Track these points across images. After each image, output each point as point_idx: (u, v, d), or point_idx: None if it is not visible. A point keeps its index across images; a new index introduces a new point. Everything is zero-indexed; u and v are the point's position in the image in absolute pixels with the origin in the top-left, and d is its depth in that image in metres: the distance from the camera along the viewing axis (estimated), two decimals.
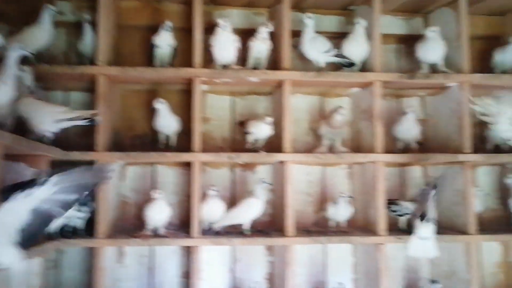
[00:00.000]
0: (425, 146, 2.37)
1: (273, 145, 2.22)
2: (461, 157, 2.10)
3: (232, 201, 2.25)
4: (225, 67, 2.12)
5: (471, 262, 2.05)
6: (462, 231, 2.10)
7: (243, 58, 2.19)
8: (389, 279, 2.25)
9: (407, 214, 2.13)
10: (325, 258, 2.34)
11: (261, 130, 2.11)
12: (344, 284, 2.02)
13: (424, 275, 2.35)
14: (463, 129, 2.13)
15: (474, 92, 2.28)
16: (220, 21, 2.06)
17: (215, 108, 2.37)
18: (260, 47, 2.13)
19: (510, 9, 2.36)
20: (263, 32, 2.12)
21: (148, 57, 2.18)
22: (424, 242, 1.90)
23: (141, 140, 2.27)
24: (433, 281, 2.06)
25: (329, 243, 2.24)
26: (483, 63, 2.38)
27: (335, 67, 2.24)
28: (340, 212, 2.15)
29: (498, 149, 2.28)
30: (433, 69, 2.21)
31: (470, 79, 2.15)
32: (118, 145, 2.14)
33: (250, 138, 2.14)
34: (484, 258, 2.40)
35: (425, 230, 1.87)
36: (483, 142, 2.39)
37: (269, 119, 2.08)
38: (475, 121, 2.44)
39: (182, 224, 2.19)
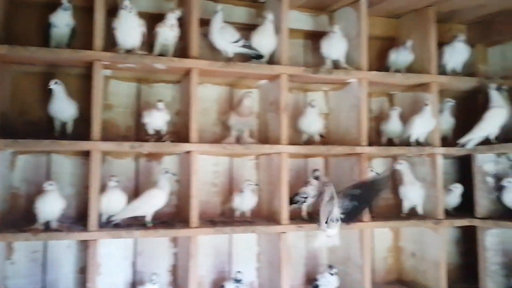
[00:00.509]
0: (328, 139, 2.48)
1: (180, 135, 2.18)
2: (358, 149, 2.23)
3: (136, 193, 2.17)
4: (129, 51, 2.02)
5: (364, 248, 2.19)
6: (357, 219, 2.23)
7: (149, 43, 2.11)
8: (290, 266, 2.35)
9: (306, 198, 2.20)
10: (231, 248, 2.36)
11: (154, 118, 2.05)
12: (242, 273, 2.05)
13: (323, 262, 2.48)
14: (360, 123, 2.27)
15: (371, 88, 2.45)
16: (124, 3, 1.96)
17: (119, 95, 2.26)
18: (168, 33, 2.07)
19: (405, 12, 2.54)
20: (171, 18, 2.06)
21: (44, 37, 2.01)
22: (330, 237, 2.01)
23: (35, 127, 2.09)
24: (330, 267, 2.17)
25: (233, 233, 2.26)
26: (380, 62, 2.54)
27: (244, 58, 2.25)
28: (246, 201, 2.17)
29: (390, 142, 2.47)
30: (336, 65, 2.32)
31: (367, 76, 2.28)
32: (7, 131, 1.95)
33: (149, 128, 2.07)
34: (376, 244, 2.59)
35: (333, 230, 1.96)
36: (378, 136, 2.58)
37: (161, 105, 2.03)
38: (372, 116, 2.64)
39: (80, 217, 2.06)
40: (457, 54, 2.45)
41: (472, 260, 2.46)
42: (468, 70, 2.62)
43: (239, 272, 2.06)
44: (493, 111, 2.25)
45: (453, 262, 2.68)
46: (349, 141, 2.33)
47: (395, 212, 2.56)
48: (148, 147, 1.98)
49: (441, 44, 2.49)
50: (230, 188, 2.38)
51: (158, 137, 2.08)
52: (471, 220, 2.34)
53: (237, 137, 2.28)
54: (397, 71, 2.44)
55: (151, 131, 2.08)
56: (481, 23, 2.66)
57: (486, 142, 2.29)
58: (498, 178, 2.35)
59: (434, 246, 2.34)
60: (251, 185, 2.18)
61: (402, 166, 2.38)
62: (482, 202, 2.33)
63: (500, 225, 2.21)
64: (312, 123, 2.33)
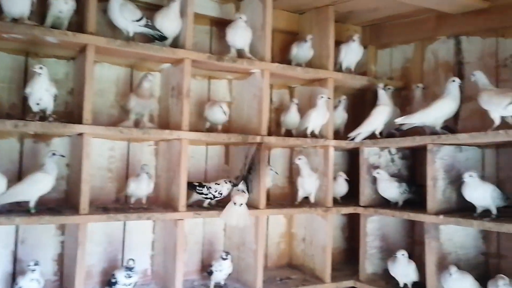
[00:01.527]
0: (230, 127, 2.50)
1: (73, 116, 2.04)
2: (258, 139, 2.29)
3: (20, 176, 1.99)
4: (16, 20, 1.83)
5: (259, 234, 2.27)
6: (254, 206, 2.30)
7: (41, 14, 1.93)
8: (186, 253, 2.35)
9: (215, 197, 2.21)
10: (125, 236, 2.28)
11: (36, 87, 1.86)
12: (135, 260, 1.99)
13: (219, 248, 2.52)
14: (261, 113, 2.32)
15: (273, 80, 2.52)
16: None
17: (3, 69, 2.03)
18: (62, 5, 1.91)
19: (308, 9, 2.64)
20: None
21: None
22: (238, 210, 2.08)
23: None
24: (226, 253, 2.21)
25: (127, 220, 2.19)
26: (283, 55, 2.62)
27: (147, 39, 2.17)
28: (141, 187, 2.11)
29: (289, 133, 2.58)
30: (240, 54, 2.34)
31: (270, 68, 2.34)
32: None
33: (32, 104, 1.89)
34: (270, 230, 2.71)
35: (241, 198, 2.08)
36: (278, 126, 2.67)
37: (41, 68, 1.85)
38: (273, 107, 2.72)
39: None
40: (352, 53, 2.62)
41: (355, 244, 2.69)
42: (361, 69, 2.82)
43: (131, 259, 2.00)
44: (379, 109, 2.45)
45: (339, 246, 2.91)
46: (250, 130, 2.37)
47: (289, 200, 2.68)
48: (34, 126, 1.82)
49: (339, 42, 2.64)
50: (127, 174, 2.29)
51: (42, 116, 1.90)
52: (355, 208, 2.54)
53: (136, 121, 2.19)
54: (298, 65, 2.54)
55: (34, 107, 1.89)
56: (374, 26, 2.88)
57: (372, 136, 2.49)
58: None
59: (322, 232, 2.50)
60: (147, 169, 2.11)
61: (301, 162, 2.50)
62: (366, 191, 2.54)
63: (379, 213, 2.43)
64: (216, 112, 2.33)
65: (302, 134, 2.51)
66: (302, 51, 2.54)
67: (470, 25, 2.38)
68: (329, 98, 2.49)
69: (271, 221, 2.71)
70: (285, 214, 2.70)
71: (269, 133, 2.39)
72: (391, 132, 2.61)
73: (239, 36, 2.31)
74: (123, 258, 2.26)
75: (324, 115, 2.46)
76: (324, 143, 2.49)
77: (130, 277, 1.98)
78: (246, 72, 2.41)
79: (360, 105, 2.87)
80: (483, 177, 2.28)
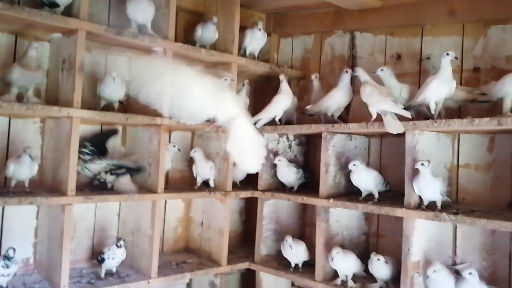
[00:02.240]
0: (129, 107, 2.38)
1: None
2: (158, 120, 2.21)
3: None
4: None
5: (155, 219, 2.20)
6: (151, 190, 2.23)
7: None
8: (74, 240, 2.20)
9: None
10: (4, 222, 2.06)
11: None
12: (15, 249, 1.81)
13: (113, 234, 2.40)
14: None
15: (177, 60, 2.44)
16: None
17: None
18: None
19: None
20: None
21: None
22: None
23: None
24: (118, 239, 2.12)
25: (5, 205, 1.98)
26: (188, 35, 2.55)
27: (36, 4, 1.94)
28: (23, 170, 1.90)
29: None
30: (141, 30, 2.22)
31: (173, 47, 2.26)
32: None
33: None
34: (167, 214, 2.65)
35: None
36: None
37: None
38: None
39: None
40: (256, 40, 2.64)
41: (251, 227, 2.76)
42: (264, 56, 2.87)
43: (10, 248, 1.80)
44: (280, 97, 2.52)
45: (235, 230, 2.96)
46: (150, 111, 2.27)
47: (189, 184, 2.65)
48: None
49: (244, 28, 2.65)
50: (7, 155, 2.06)
51: None
52: (253, 192, 2.60)
53: (19, 95, 1.97)
54: (203, 46, 2.49)
55: None
56: (278, 14, 2.94)
57: (272, 123, 2.56)
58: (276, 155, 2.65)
59: (220, 216, 2.52)
60: (29, 151, 1.91)
61: (195, 154, 2.50)
62: (264, 176, 2.61)
63: (276, 197, 2.52)
64: (113, 90, 2.19)
65: None
66: (207, 32, 2.49)
67: (364, 22, 2.54)
68: (232, 80, 2.49)
69: (169, 205, 2.65)
70: (184, 198, 2.67)
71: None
72: (289, 119, 2.71)
73: (141, 10, 2.18)
74: (1, 246, 2.04)
75: None
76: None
77: (8, 267, 1.79)
78: (148, 49, 2.29)
79: (262, 91, 2.92)
80: (368, 164, 2.49)
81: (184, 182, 2.69)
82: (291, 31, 2.95)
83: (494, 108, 1.94)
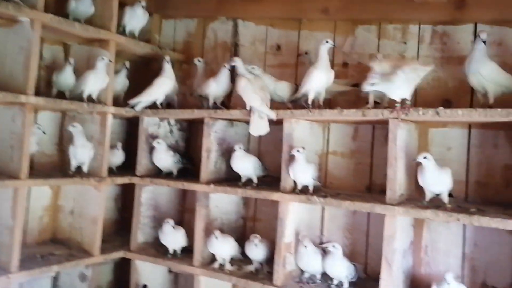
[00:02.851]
0: None
1: None
2: (23, 98, 1.98)
3: None
4: None
5: (17, 208, 1.98)
6: (13, 176, 2.00)
7: None
8: None
9: None
10: None
11: None
12: None
13: None
14: (28, 70, 2.01)
15: (46, 34, 2.21)
16: None
17: None
18: None
19: None
20: None
21: None
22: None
23: None
24: None
25: None
26: (60, 7, 2.31)
27: None
28: None
29: (61, 95, 2.32)
30: None
31: (42, 18, 2.05)
32: None
33: None
34: (32, 203, 2.41)
35: None
36: (49, 87, 2.37)
37: None
38: (43, 64, 2.40)
39: None
40: (137, 18, 2.52)
41: (127, 215, 2.65)
42: (145, 37, 2.76)
43: None
44: (161, 80, 2.45)
45: (111, 217, 2.81)
46: (13, 88, 2.03)
47: (58, 169, 2.44)
48: None
49: (124, 5, 2.50)
50: None
51: None
52: (131, 178, 2.50)
53: None
54: (77, 20, 2.29)
55: None
56: None
57: (153, 106, 2.47)
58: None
59: (94, 203, 2.38)
60: None
61: (75, 129, 2.29)
62: (143, 161, 2.52)
63: (154, 182, 2.45)
64: None
65: (77, 98, 2.30)
66: (82, 5, 2.30)
67: (246, 10, 2.59)
68: (110, 61, 2.34)
69: (34, 193, 2.41)
70: (52, 185, 2.45)
71: (37, 93, 2.09)
72: (170, 103, 2.66)
73: None
74: None
75: (103, 79, 2.31)
76: (102, 109, 2.34)
77: None
78: (12, 19, 2.03)
79: (142, 73, 2.80)
80: (248, 150, 2.57)
81: (53, 167, 2.46)
82: (173, 13, 2.87)
83: (358, 101, 2.14)
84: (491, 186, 1.93)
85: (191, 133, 2.80)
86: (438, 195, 1.77)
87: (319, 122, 2.28)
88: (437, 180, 1.75)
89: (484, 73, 1.74)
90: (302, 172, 2.00)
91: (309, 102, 2.05)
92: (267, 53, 2.57)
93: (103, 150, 2.37)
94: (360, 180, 2.24)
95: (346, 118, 1.97)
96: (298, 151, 1.98)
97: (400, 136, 1.80)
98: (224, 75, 2.35)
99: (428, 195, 1.79)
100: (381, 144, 2.13)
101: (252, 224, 2.59)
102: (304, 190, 2.05)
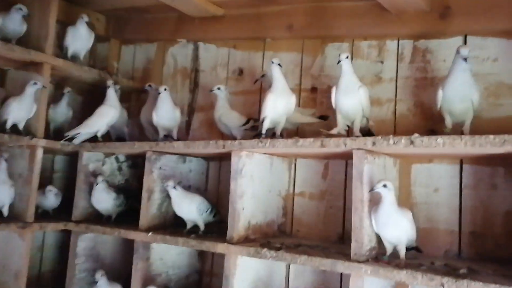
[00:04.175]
0: None
1: None
2: None
3: None
4: None
5: None
6: None
7: None
8: None
9: None
10: None
11: None
12: None
13: None
14: None
15: None
16: None
17: None
18: None
19: None
20: None
21: None
22: None
23: None
24: None
25: None
26: None
27: None
28: None
29: None
30: None
31: None
32: None
33: None
34: None
35: None
36: None
37: None
38: None
39: None
40: (80, 39, 2.23)
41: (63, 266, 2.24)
42: (102, 65, 2.48)
43: None
44: (104, 109, 2.12)
45: (44, 269, 2.40)
46: None
47: None
48: None
49: (67, 24, 2.23)
50: None
51: None
52: (66, 224, 2.11)
53: None
54: (6, 40, 2.00)
55: None
56: (119, 18, 2.57)
57: (93, 139, 2.13)
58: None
59: (17, 254, 1.99)
60: None
61: None
62: (81, 204, 2.15)
63: (91, 229, 2.06)
64: None
65: (1, 129, 1.97)
66: (11, 23, 2.01)
67: (207, 31, 2.28)
68: (44, 86, 2.03)
69: None
70: None
71: None
72: (120, 136, 2.32)
73: None
74: None
75: (30, 107, 1.99)
76: (30, 142, 2.00)
77: None
78: None
79: (92, 102, 2.47)
80: (206, 190, 2.19)
81: None
82: (133, 37, 2.59)
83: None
84: (489, 238, 1.49)
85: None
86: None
87: (282, 157, 1.90)
88: (393, 223, 1.32)
89: (476, 99, 1.38)
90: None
91: (263, 131, 1.69)
92: (229, 78, 2.23)
93: (31, 189, 2.01)
94: (332, 227, 1.82)
95: (302, 150, 1.57)
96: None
97: (369, 172, 1.40)
98: (164, 101, 2.00)
99: (388, 247, 1.37)
100: None
101: (209, 279, 2.15)
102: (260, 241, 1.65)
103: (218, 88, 1.99)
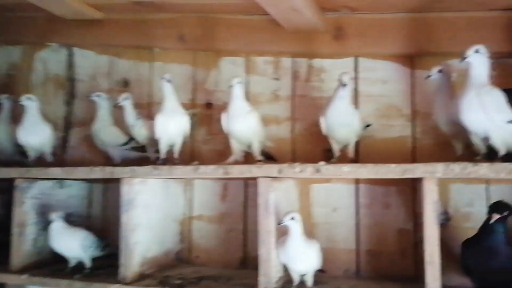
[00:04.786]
0: None
1: None
2: None
3: None
4: None
5: None
6: None
7: None
8: None
9: None
10: None
11: None
12: None
13: None
14: None
15: None
16: None
17: None
18: None
19: None
20: None
21: None
22: None
23: None
24: None
25: None
26: None
27: None
28: None
29: None
30: None
31: None
32: None
33: None
34: None
35: None
36: None
37: None
38: None
39: None
40: None
41: None
42: None
43: None
44: None
45: None
46: None
47: None
48: None
49: None
50: None
51: None
52: (4, 275, 1.66)
53: None
54: None
55: None
56: None
57: None
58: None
59: None
60: None
61: None
62: (25, 248, 1.68)
63: (37, 282, 1.59)
64: None
65: None
66: None
67: (84, 35, 2.00)
68: None
69: None
70: None
71: None
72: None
73: None
74: None
75: None
76: None
77: None
78: None
79: None
80: (89, 218, 1.94)
81: None
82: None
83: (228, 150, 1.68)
84: (384, 256, 1.55)
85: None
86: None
87: (179, 179, 1.76)
88: (302, 257, 1.30)
89: (355, 124, 1.42)
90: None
91: (161, 156, 1.54)
92: (112, 90, 1.99)
93: None
94: (233, 251, 1.75)
95: (204, 176, 1.47)
96: None
97: (274, 200, 1.35)
98: (31, 115, 1.71)
99: (295, 278, 1.35)
100: (255, 204, 1.67)
101: None
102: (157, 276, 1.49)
103: (98, 96, 1.77)
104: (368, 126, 1.54)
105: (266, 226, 1.31)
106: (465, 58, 1.19)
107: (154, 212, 1.60)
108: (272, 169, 1.31)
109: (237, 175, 1.37)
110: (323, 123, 1.42)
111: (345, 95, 1.38)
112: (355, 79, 1.65)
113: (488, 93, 1.15)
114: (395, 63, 1.62)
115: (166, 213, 1.69)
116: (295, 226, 1.27)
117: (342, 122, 1.39)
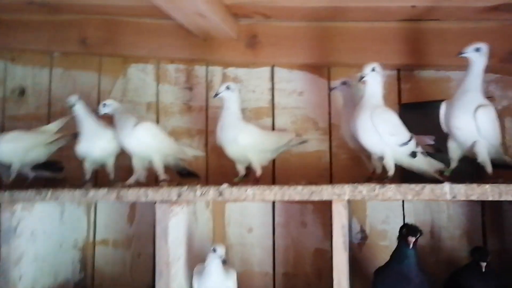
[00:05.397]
0: None
1: None
2: None
3: None
4: None
5: None
6: None
7: None
8: None
9: None
10: None
11: None
12: None
13: None
14: None
15: None
16: None
17: None
18: None
19: None
20: None
21: None
22: None
23: None
24: None
25: None
26: None
27: None
28: None
29: None
30: None
31: None
32: None
33: None
34: None
35: None
36: None
37: None
38: None
39: None
40: None
41: None
42: None
43: None
44: None
45: None
46: None
47: None
48: None
49: None
50: None
51: None
52: None
53: None
54: None
55: None
56: None
57: None
58: None
59: None
60: None
61: None
62: None
63: None
64: None
65: None
66: None
67: None
68: None
69: None
70: None
71: None
72: None
73: None
74: None
75: None
76: None
77: None
78: None
79: None
80: None
81: None
82: None
83: None
84: (300, 278, 1.46)
85: None
86: None
87: (77, 203, 1.57)
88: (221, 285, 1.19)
89: (242, 142, 1.25)
90: None
91: (87, 176, 1.38)
92: (7, 99, 1.77)
93: None
94: (141, 278, 1.59)
95: (94, 201, 1.30)
96: None
97: (175, 227, 1.21)
98: None
99: None
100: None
101: None
102: None
103: None
104: (303, 142, 1.41)
105: (164, 257, 1.17)
106: (363, 77, 1.12)
107: (44, 240, 1.40)
108: (170, 192, 1.17)
109: (131, 200, 1.21)
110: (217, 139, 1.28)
111: (230, 106, 1.25)
112: (272, 89, 1.56)
113: (380, 115, 1.10)
114: (311, 73, 1.54)
115: (62, 240, 1.49)
116: (215, 257, 1.15)
117: (228, 138, 1.25)
